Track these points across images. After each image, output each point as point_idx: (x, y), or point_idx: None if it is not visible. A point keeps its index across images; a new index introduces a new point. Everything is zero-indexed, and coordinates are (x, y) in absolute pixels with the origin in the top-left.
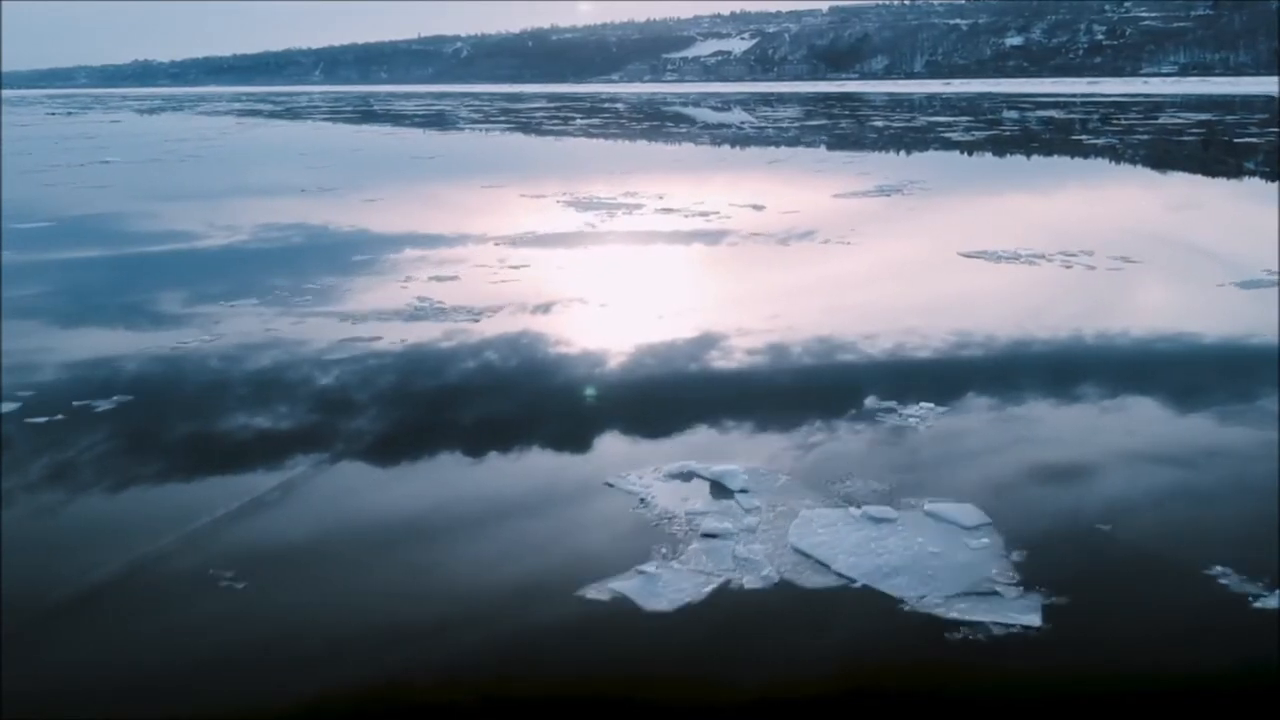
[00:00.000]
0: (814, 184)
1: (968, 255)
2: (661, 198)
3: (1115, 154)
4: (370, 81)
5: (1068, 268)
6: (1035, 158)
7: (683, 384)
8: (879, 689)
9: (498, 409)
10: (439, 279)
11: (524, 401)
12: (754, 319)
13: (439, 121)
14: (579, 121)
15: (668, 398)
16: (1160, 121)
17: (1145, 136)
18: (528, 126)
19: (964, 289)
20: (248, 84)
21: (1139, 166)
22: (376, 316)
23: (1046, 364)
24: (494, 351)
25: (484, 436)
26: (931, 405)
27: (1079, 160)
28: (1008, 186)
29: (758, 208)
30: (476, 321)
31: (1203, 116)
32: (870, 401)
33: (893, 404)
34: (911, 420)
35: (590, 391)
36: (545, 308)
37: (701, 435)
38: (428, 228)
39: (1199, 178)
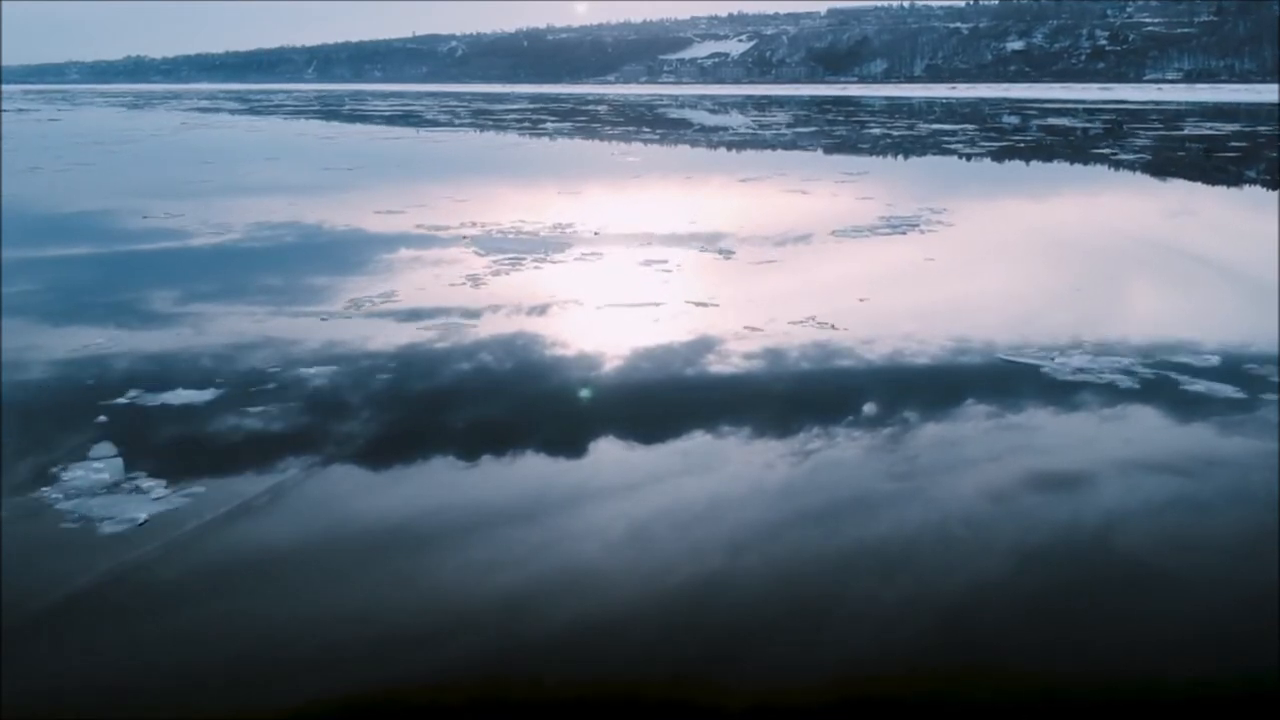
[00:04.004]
0: (805, 213)
1: (1013, 358)
2: (597, 234)
3: (1165, 171)
4: (364, 80)
5: (1189, 406)
6: (1067, 175)
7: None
8: None
9: None
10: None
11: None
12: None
13: (400, 122)
14: (550, 125)
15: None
16: (1189, 132)
17: (1182, 152)
18: (492, 130)
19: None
20: (240, 81)
21: (1205, 184)
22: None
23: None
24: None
25: None
26: None
27: (1122, 177)
28: (1046, 218)
29: (725, 254)
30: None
31: (1233, 126)
32: None
33: None
34: None
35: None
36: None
37: None
38: (231, 281)
39: None
